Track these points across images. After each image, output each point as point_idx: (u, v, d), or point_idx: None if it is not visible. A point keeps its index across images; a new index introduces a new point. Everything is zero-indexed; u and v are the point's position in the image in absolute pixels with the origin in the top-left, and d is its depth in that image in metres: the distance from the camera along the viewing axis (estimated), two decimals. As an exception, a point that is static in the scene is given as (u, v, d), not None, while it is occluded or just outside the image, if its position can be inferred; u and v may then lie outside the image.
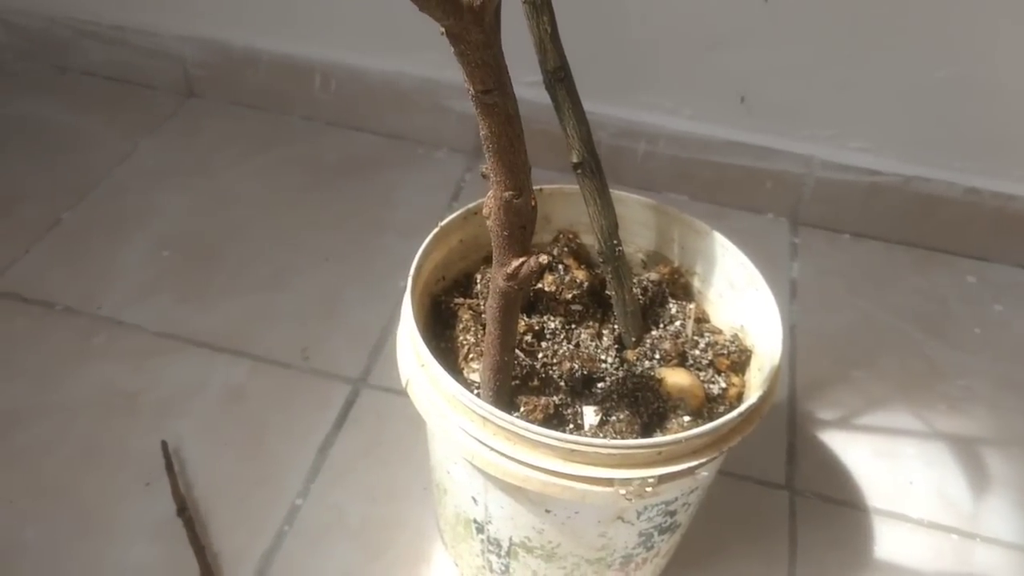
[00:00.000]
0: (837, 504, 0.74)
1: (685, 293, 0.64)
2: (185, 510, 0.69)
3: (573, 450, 0.46)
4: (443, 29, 0.31)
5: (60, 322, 0.84)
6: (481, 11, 0.29)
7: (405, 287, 0.53)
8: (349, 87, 1.10)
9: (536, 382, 0.54)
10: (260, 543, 0.68)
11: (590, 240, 0.64)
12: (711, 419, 0.51)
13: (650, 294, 0.61)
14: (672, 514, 0.54)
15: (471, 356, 0.56)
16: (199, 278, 0.91)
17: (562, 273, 0.61)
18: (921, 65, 0.90)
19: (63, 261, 0.91)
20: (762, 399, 0.50)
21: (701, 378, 0.56)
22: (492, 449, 0.48)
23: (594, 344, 0.57)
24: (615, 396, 0.53)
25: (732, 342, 0.59)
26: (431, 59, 1.05)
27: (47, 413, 0.76)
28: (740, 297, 0.60)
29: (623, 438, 0.51)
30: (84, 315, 0.85)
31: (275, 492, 0.71)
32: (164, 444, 0.74)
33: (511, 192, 0.39)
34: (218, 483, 0.72)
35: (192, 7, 1.09)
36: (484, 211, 0.41)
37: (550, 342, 0.57)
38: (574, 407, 0.53)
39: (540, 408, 0.51)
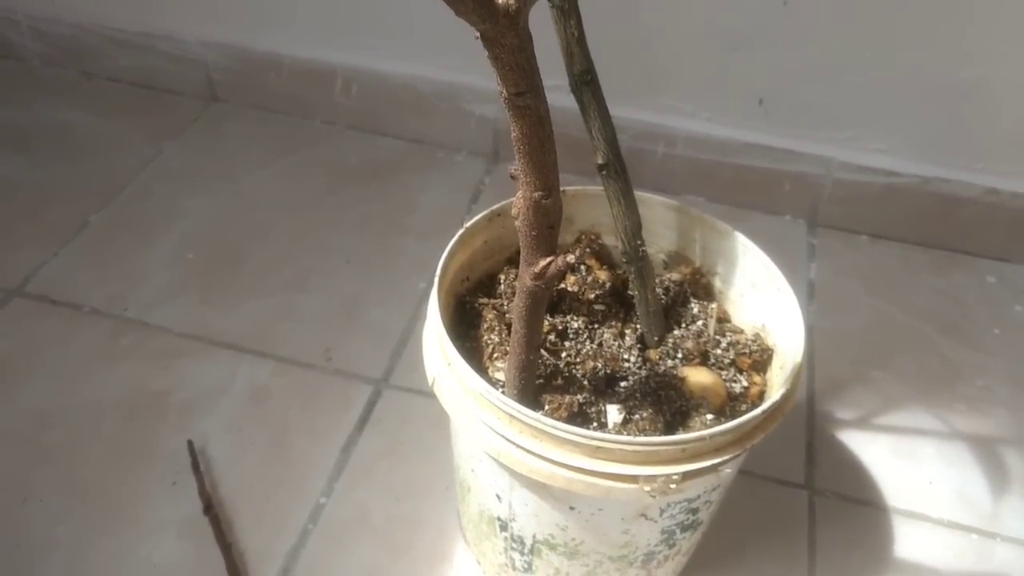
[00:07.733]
0: (857, 503, 0.75)
1: (706, 293, 0.64)
2: (211, 508, 0.70)
3: (598, 447, 0.47)
4: (478, 34, 0.32)
5: (88, 323, 0.86)
6: (516, 15, 0.30)
7: (425, 288, 0.54)
8: (370, 91, 1.11)
9: (560, 381, 0.54)
10: (285, 541, 0.69)
11: (612, 241, 0.65)
12: (733, 417, 0.52)
13: (672, 294, 0.61)
14: (694, 512, 0.55)
15: (496, 355, 0.56)
16: (223, 280, 0.92)
17: (584, 273, 0.62)
18: (940, 67, 0.90)
19: (90, 263, 0.93)
20: (785, 397, 0.51)
21: (723, 377, 0.56)
22: (518, 446, 0.48)
23: (617, 343, 0.58)
24: (638, 395, 0.54)
25: (753, 341, 0.59)
26: (451, 63, 1.06)
27: (75, 413, 0.77)
28: (761, 296, 0.60)
29: (646, 436, 0.52)
30: (111, 316, 0.87)
31: (299, 491, 0.73)
32: (190, 443, 0.75)
33: (541, 192, 0.39)
34: (243, 482, 0.73)
35: (215, 14, 1.11)
36: (513, 211, 0.42)
37: (573, 341, 0.57)
38: (598, 405, 0.53)
39: (564, 406, 0.52)
